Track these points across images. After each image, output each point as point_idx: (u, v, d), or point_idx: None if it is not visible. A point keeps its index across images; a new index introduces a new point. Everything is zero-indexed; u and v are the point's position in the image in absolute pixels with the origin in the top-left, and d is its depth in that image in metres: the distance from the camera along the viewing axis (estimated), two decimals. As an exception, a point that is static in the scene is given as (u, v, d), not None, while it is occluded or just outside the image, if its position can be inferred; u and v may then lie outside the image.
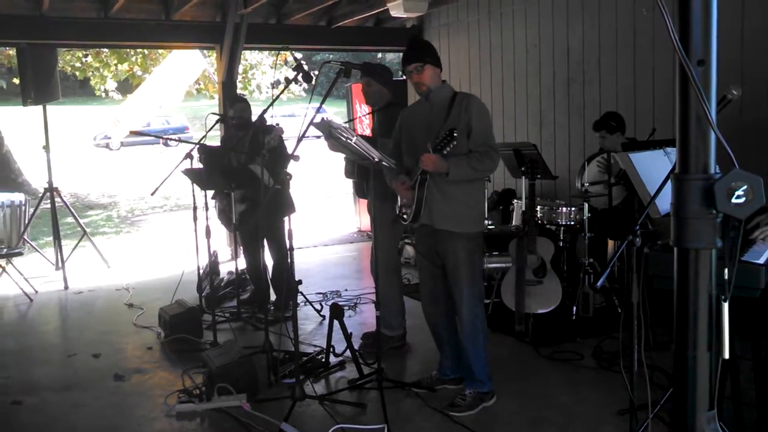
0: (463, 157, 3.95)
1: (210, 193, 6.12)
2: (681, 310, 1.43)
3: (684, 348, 1.43)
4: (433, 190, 4.04)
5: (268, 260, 6.22)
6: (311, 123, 4.02)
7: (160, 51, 14.90)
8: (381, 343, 5.05)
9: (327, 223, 11.64)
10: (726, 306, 1.40)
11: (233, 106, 6.32)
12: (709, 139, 1.37)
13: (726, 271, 1.41)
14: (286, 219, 4.65)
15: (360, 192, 5.28)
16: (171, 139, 8.63)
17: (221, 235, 8.76)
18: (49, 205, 8.09)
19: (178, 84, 11.60)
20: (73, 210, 8.69)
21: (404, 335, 5.27)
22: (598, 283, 2.61)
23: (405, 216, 4.17)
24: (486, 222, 4.34)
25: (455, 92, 4.18)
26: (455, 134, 3.82)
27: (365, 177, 4.78)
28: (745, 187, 1.29)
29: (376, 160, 4.11)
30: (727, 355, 1.42)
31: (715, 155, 1.39)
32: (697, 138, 1.37)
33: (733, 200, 1.30)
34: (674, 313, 1.45)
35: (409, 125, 4.32)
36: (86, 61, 15.31)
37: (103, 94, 16.50)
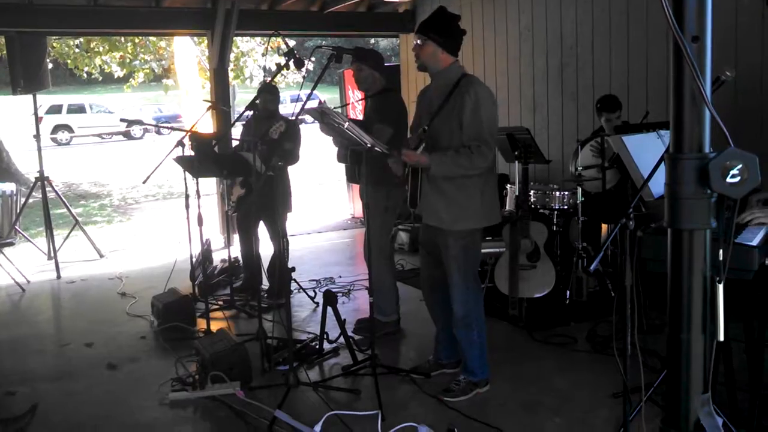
0: (450, 152, 3.83)
1: (202, 180, 6.08)
2: (675, 292, 1.41)
3: (678, 330, 1.40)
4: (425, 183, 3.98)
5: (267, 247, 6.20)
6: (303, 108, 3.99)
7: (151, 38, 14.81)
8: (375, 329, 5.07)
9: (320, 210, 11.61)
10: (721, 287, 1.38)
11: (260, 96, 6.15)
12: (704, 117, 1.33)
13: (720, 252, 1.38)
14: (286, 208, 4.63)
15: (352, 177, 5.26)
16: (163, 127, 8.58)
17: (214, 223, 8.74)
18: (40, 195, 8.05)
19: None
20: (64, 199, 8.63)
21: (398, 321, 5.27)
22: (591, 267, 2.60)
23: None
24: (489, 217, 4.09)
25: (462, 76, 3.98)
26: (423, 136, 3.83)
27: (357, 162, 4.76)
28: (740, 166, 1.25)
29: (369, 145, 4.08)
30: (722, 338, 1.40)
31: (710, 134, 1.37)
32: (692, 116, 1.33)
33: (728, 179, 1.27)
34: (668, 295, 1.43)
35: (419, 105, 4.26)
36: (76, 50, 15.20)
37: (85, 75, 16.33)
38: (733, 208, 1.35)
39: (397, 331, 5.26)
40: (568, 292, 5.55)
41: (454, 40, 4.01)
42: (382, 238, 5.12)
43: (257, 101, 5.64)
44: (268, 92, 6.14)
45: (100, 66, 15.37)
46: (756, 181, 1.28)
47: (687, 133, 1.35)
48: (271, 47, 14.90)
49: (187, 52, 12.10)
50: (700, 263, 1.38)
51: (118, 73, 15.94)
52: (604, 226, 5.81)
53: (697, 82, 1.27)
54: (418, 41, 3.99)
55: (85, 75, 16.17)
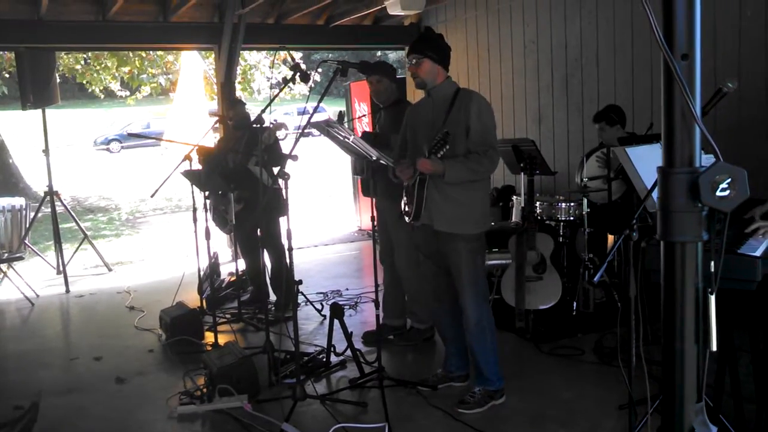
0: (461, 158, 3.93)
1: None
2: (668, 303, 1.44)
3: (672, 341, 1.43)
4: (433, 191, 4.02)
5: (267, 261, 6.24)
6: (309, 122, 4.02)
7: (159, 52, 14.93)
8: (412, 337, 5.27)
9: (327, 222, 11.64)
10: (713, 299, 1.41)
11: (234, 108, 6.35)
12: (694, 133, 1.38)
13: (712, 263, 1.41)
14: (281, 219, 4.65)
15: (366, 191, 5.27)
16: (170, 141, 8.63)
17: (221, 237, 8.76)
18: (49, 209, 8.10)
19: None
20: (73, 213, 8.69)
21: (432, 327, 5.28)
22: (595, 279, 2.61)
23: (408, 214, 4.16)
24: (487, 222, 4.25)
25: (458, 89, 4.14)
26: (448, 138, 3.84)
27: (373, 175, 4.79)
28: (729, 180, 1.29)
29: (374, 158, 4.12)
30: (714, 348, 1.43)
31: (700, 149, 1.40)
32: (682, 132, 1.37)
33: (718, 193, 1.30)
34: (662, 306, 1.46)
35: (413, 121, 4.33)
36: (84, 64, 15.34)
37: (102, 95, 16.56)
38: (724, 221, 1.38)
39: (432, 336, 5.29)
40: (574, 303, 5.55)
41: (446, 56, 4.19)
42: (411, 248, 5.15)
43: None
44: (241, 105, 6.43)
45: (107, 81, 15.51)
46: (745, 195, 1.31)
47: (678, 149, 1.39)
48: (278, 60, 15.02)
49: (191, 67, 12.22)
50: (692, 275, 1.41)
51: (121, 92, 16.13)
52: (611, 237, 5.81)
53: (687, 100, 1.30)
54: (414, 60, 4.10)
55: (101, 95, 16.42)
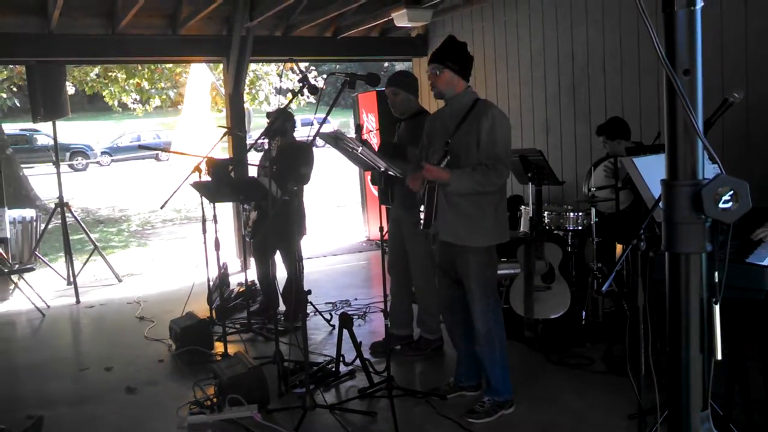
0: (468, 169, 3.92)
1: (219, 205, 6.15)
2: (673, 313, 1.46)
3: (677, 350, 1.45)
4: (442, 202, 4.03)
5: (281, 270, 6.27)
6: (317, 133, 4.05)
7: (167, 65, 15.05)
8: (422, 347, 5.28)
9: (336, 233, 11.66)
10: (717, 308, 1.43)
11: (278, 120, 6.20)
12: (697, 147, 1.40)
13: (716, 274, 1.43)
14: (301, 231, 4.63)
15: (385, 199, 5.30)
16: (179, 153, 8.68)
17: (231, 247, 8.80)
18: (59, 221, 8.15)
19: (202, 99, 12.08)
20: (83, 225, 8.74)
21: (441, 337, 5.31)
22: (603, 288, 2.62)
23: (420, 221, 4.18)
24: (502, 235, 4.15)
25: (476, 99, 4.12)
26: (447, 150, 3.88)
27: (391, 185, 4.82)
28: (731, 192, 1.31)
29: (382, 169, 4.14)
30: (719, 357, 1.45)
31: (703, 161, 1.42)
32: (685, 145, 1.40)
33: (721, 205, 1.33)
34: (667, 316, 1.48)
35: (430, 130, 4.33)
36: (95, 77, 15.47)
37: (120, 109, 16.75)
38: (727, 232, 1.40)
39: (441, 346, 5.30)
40: (583, 312, 5.54)
41: (467, 66, 4.15)
42: (426, 258, 5.16)
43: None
44: (286, 119, 6.17)
45: (118, 93, 15.64)
46: (747, 206, 1.33)
47: (681, 162, 1.42)
48: (287, 69, 15.09)
49: (199, 79, 12.35)
50: (697, 285, 1.43)
51: (134, 105, 16.26)
52: (619, 247, 5.81)
53: (689, 115, 1.32)
54: (436, 70, 4.09)
55: (119, 108, 16.59)
